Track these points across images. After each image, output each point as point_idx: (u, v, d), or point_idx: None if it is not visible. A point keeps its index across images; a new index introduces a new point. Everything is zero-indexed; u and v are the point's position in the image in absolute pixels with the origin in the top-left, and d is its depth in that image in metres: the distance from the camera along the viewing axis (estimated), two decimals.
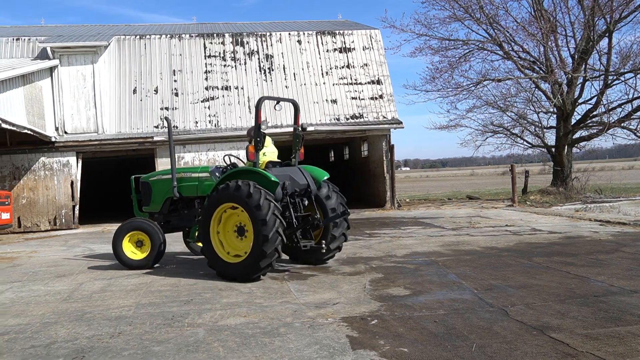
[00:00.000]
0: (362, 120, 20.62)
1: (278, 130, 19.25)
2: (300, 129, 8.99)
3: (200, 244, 10.00)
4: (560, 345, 4.67)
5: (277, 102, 8.81)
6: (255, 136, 8.29)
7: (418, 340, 4.95)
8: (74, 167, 18.81)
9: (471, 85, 22.02)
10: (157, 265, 9.34)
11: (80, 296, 7.26)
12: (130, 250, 9.17)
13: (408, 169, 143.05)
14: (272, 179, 7.91)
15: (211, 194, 7.99)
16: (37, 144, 18.32)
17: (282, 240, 7.59)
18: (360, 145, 24.97)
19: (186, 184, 9.32)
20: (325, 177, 8.84)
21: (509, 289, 6.74)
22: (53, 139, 18.45)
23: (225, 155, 9.87)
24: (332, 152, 32.08)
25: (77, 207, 18.75)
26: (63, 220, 18.56)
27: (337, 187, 9.06)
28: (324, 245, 8.33)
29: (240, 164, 9.32)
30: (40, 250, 12.72)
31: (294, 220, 8.25)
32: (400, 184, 48.39)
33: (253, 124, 8.49)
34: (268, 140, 8.84)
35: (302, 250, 8.64)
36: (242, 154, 18.48)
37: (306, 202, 8.56)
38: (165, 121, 9.39)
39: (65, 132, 19.01)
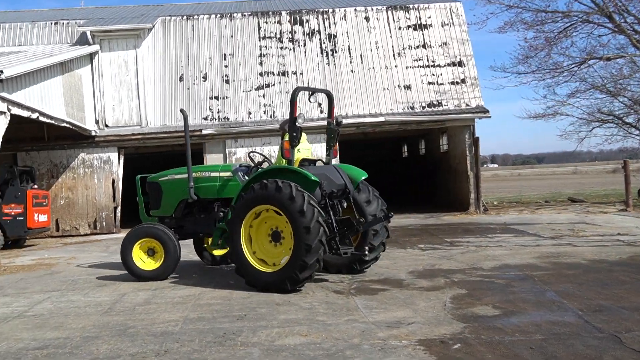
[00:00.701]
0: (440, 108, 20.36)
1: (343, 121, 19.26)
2: (334, 122, 9.15)
3: (217, 252, 10.26)
4: None
5: (312, 94, 8.98)
6: (291, 131, 8.40)
7: None
8: (115, 164, 19.56)
9: (573, 65, 21.27)
10: (172, 275, 9.49)
11: (122, 308, 7.53)
12: (140, 259, 9.35)
13: (496, 165, 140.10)
14: (312, 178, 8.03)
15: (245, 194, 8.14)
16: (76, 138, 19.19)
17: (324, 250, 7.76)
18: (439, 138, 24.66)
19: (204, 184, 9.42)
20: (364, 177, 8.96)
21: (623, 311, 6.47)
22: (93, 133, 19.27)
23: (250, 152, 9.93)
24: (405, 146, 31.85)
25: (118, 209, 19.49)
26: (104, 223, 19.33)
27: (377, 190, 9.19)
28: (367, 252, 8.52)
29: (265, 163, 9.53)
30: (80, 257, 13.31)
31: (334, 224, 8.36)
32: (487, 183, 47.48)
33: (290, 117, 8.55)
34: (302, 136, 8.95)
35: (334, 257, 8.76)
36: (268, 150, 18.68)
37: (345, 205, 8.75)
38: (181, 114, 9.62)
39: (106, 126, 19.81)
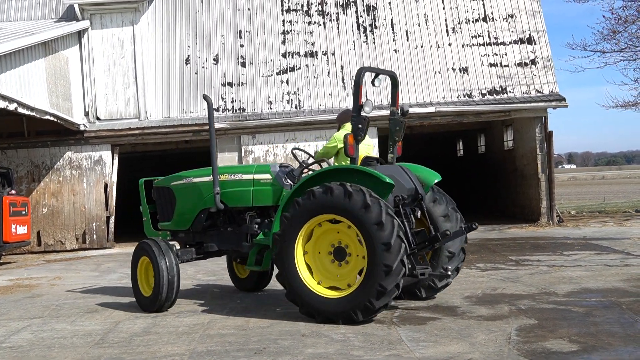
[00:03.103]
0: (505, 96, 20.21)
1: (384, 112, 19.27)
2: (399, 112, 8.96)
3: (243, 274, 10.21)
4: None
5: (376, 76, 8.84)
6: (357, 122, 8.29)
7: None
8: (109, 164, 19.80)
9: None
10: (169, 307, 9.05)
11: (116, 339, 7.59)
12: (147, 283, 9.18)
13: (574, 166, 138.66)
14: (387, 180, 7.87)
15: (302, 201, 7.94)
16: (62, 134, 19.49)
17: (405, 273, 7.60)
18: (503, 132, 24.47)
19: (234, 189, 9.15)
20: (437, 180, 8.82)
21: None
22: (82, 128, 19.56)
23: (293, 149, 9.61)
24: (461, 143, 31.65)
25: (112, 219, 19.72)
26: (94, 236, 19.58)
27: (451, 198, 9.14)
28: (449, 272, 8.34)
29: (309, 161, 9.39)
30: (66, 277, 13.50)
31: (411, 238, 8.23)
32: (563, 188, 46.92)
33: (350, 105, 8.51)
34: None
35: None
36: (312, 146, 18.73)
37: (418, 214, 8.53)
38: (205, 100, 9.47)
39: (98, 119, 20.09)
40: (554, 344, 6.72)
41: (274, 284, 10.02)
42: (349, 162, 8.49)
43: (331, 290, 7.95)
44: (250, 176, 9.13)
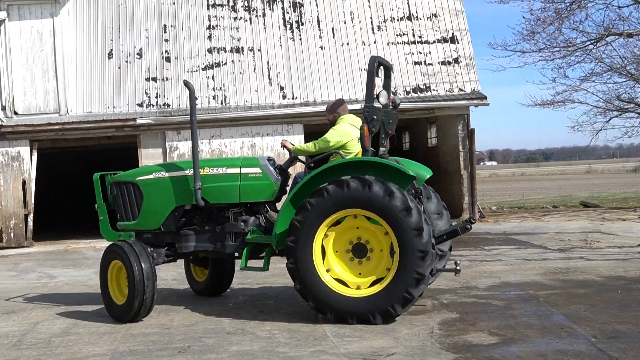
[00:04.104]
0: (428, 94, 20.47)
1: (310, 109, 19.35)
2: (391, 105, 8.74)
3: (201, 278, 9.82)
4: None
5: (379, 66, 8.58)
6: (371, 113, 8.10)
7: None
8: (27, 161, 19.25)
9: (588, 42, 21.58)
10: (146, 314, 8.30)
11: (35, 340, 7.40)
12: (119, 290, 8.39)
13: (495, 163, 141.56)
14: (409, 172, 7.81)
15: (318, 196, 7.60)
16: None
17: (436, 256, 7.56)
18: (427, 129, 24.81)
19: (216, 184, 8.58)
20: (429, 176, 8.74)
21: None
22: None
23: (283, 141, 9.12)
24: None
25: (30, 217, 19.19)
26: (12, 234, 19.01)
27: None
28: (458, 267, 8.11)
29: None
30: None
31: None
32: (484, 185, 47.86)
33: (367, 94, 8.14)
34: (357, 120, 8.71)
35: None
36: (219, 144, 18.63)
37: (422, 208, 8.30)
38: (186, 87, 8.88)
39: (15, 113, 19.49)
40: (474, 337, 6.86)
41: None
42: (357, 155, 8.30)
43: (353, 289, 7.64)
44: (236, 170, 8.58)
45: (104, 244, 17.18)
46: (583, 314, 7.64)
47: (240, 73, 20.37)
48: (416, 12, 21.61)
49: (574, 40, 21.65)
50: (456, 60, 21.10)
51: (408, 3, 21.70)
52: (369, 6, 21.60)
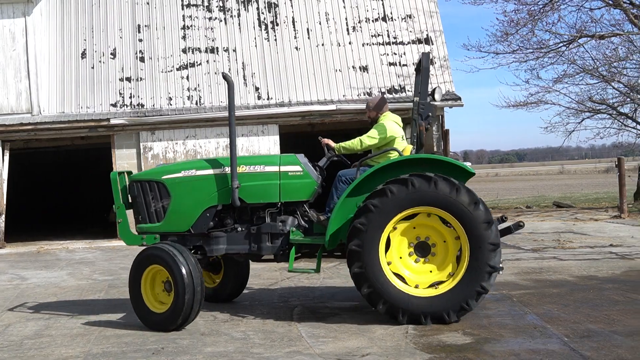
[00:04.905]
0: (404, 95, 20.54)
1: (285, 109, 19.34)
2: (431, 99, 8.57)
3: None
4: None
5: (420, 62, 8.37)
6: (427, 110, 7.99)
7: None
8: None
9: (561, 44, 21.85)
10: (189, 321, 7.72)
11: (6, 343, 7.33)
12: (155, 299, 7.85)
13: (469, 164, 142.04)
14: (469, 168, 7.76)
15: (381, 196, 7.40)
16: None
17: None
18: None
19: (254, 183, 8.15)
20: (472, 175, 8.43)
21: (615, 336, 6.68)
22: None
23: (320, 137, 8.84)
24: None
25: (2, 218, 18.99)
26: None
27: None
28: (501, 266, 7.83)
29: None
30: None
31: None
32: None
33: (421, 90, 7.98)
34: (398, 118, 8.72)
35: None
36: (193, 145, 18.56)
37: None
38: (224, 80, 8.17)
39: None
40: (449, 336, 6.89)
41: None
42: (396, 155, 8.17)
43: (412, 287, 7.50)
44: (275, 168, 8.18)
45: (76, 245, 17.12)
46: (556, 314, 7.72)
47: (215, 73, 20.30)
48: (391, 13, 21.68)
49: (546, 42, 21.98)
50: (431, 62, 21.11)
51: (383, 4, 21.77)
52: (344, 7, 21.64)
